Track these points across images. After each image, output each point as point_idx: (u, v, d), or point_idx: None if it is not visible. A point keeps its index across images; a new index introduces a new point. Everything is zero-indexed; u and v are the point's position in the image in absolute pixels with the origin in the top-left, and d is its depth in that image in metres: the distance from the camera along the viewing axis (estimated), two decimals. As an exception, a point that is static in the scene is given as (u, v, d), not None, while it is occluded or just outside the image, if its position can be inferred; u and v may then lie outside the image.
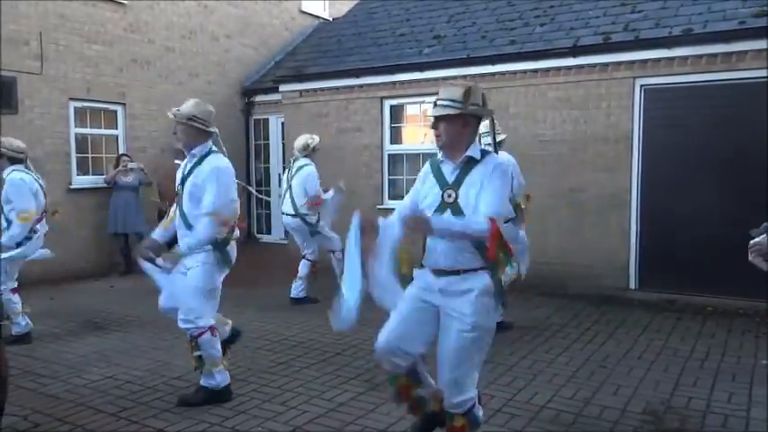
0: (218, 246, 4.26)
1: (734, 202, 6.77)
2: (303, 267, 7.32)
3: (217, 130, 4.41)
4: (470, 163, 3.17)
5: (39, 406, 4.27)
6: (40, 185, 5.82)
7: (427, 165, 3.39)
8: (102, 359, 5.30)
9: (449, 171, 3.22)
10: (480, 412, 3.40)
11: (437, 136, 3.25)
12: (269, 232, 12.37)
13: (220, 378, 4.34)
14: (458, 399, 3.22)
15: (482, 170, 3.13)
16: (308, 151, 7.27)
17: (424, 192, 3.29)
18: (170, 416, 4.10)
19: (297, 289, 7.32)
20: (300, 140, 7.33)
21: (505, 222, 3.19)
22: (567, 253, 7.83)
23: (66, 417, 4.09)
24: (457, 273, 3.14)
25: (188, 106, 4.29)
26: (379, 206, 9.32)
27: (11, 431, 3.87)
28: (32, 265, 8.51)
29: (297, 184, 7.15)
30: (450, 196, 3.14)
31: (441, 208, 3.13)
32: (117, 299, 7.64)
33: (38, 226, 5.74)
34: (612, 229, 7.64)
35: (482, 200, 3.06)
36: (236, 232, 4.50)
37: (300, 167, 7.19)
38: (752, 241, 2.85)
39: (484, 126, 4.34)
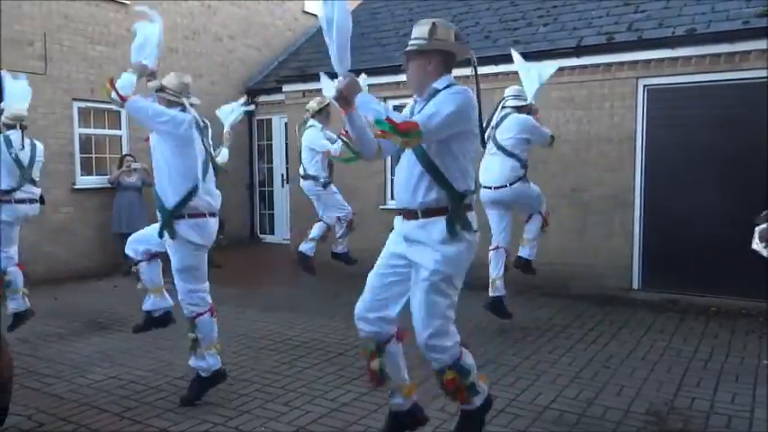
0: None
1: (737, 202, 6.75)
2: (317, 229, 7.30)
3: (190, 101, 4.52)
4: (434, 94, 3.13)
5: (43, 406, 4.28)
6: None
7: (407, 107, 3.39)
8: (105, 359, 5.32)
9: (418, 108, 3.20)
10: (469, 359, 3.29)
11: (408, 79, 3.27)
12: (272, 232, 12.39)
13: (212, 361, 4.33)
14: (438, 356, 3.20)
15: (440, 95, 3.08)
16: (317, 113, 7.06)
17: None
18: (173, 416, 4.11)
19: (306, 245, 7.31)
20: (312, 102, 7.20)
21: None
22: (569, 253, 7.82)
23: (70, 416, 4.11)
24: (416, 216, 3.12)
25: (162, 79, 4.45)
26: (381, 206, 9.33)
27: (15, 431, 3.89)
28: (36, 265, 8.58)
29: (305, 146, 7.06)
30: None
31: None
32: (121, 299, 7.66)
33: None
34: (615, 229, 7.63)
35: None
36: (203, 204, 4.30)
37: (306, 129, 7.08)
38: (758, 227, 2.82)
39: (512, 90, 4.64)
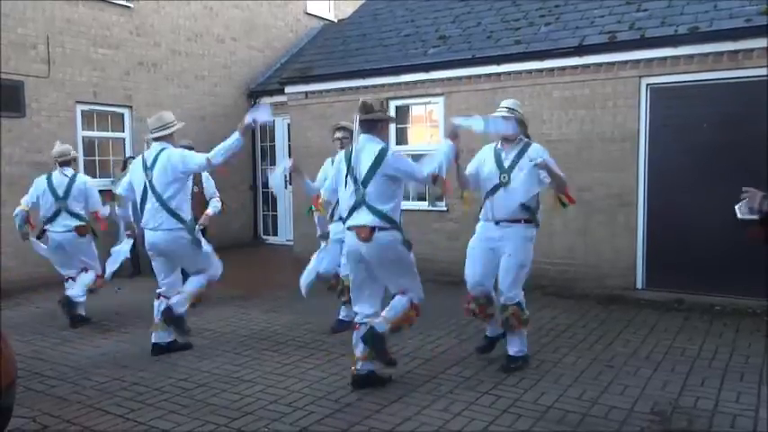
0: None
1: (740, 200, 6.73)
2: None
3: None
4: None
5: (47, 408, 4.30)
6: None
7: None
8: (109, 361, 5.33)
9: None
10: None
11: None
12: (275, 234, 12.40)
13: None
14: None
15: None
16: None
17: None
18: (177, 417, 4.12)
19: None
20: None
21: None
22: (573, 253, 7.81)
23: (74, 418, 4.12)
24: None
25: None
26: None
27: (19, 433, 3.90)
28: (40, 268, 8.60)
29: None
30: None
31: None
32: (124, 301, 7.67)
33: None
34: (619, 228, 7.61)
35: None
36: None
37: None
38: (747, 189, 2.83)
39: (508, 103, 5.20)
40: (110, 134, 9.81)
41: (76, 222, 6.57)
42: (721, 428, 3.86)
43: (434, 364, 5.13)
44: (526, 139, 4.99)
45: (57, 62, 8.86)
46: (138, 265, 9.33)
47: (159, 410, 4.24)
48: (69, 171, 6.63)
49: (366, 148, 4.41)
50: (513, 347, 4.97)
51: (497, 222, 4.86)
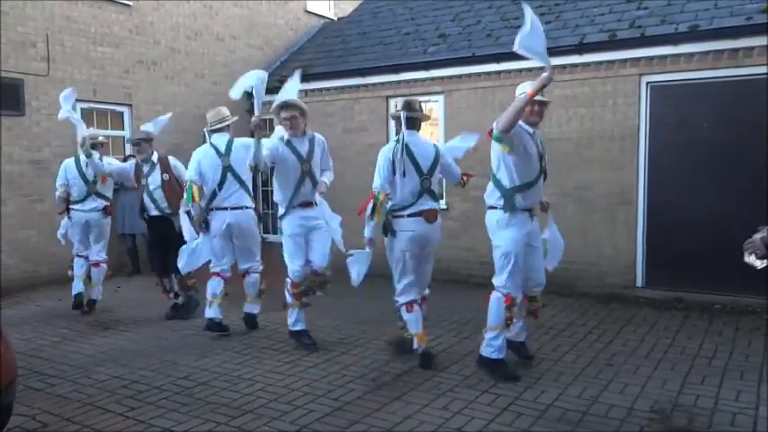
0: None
1: (741, 198, 6.74)
2: None
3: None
4: None
5: (47, 406, 4.30)
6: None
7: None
8: (109, 359, 5.33)
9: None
10: None
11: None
12: (275, 232, 12.39)
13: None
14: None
15: None
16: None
17: None
18: (177, 415, 4.12)
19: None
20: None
21: None
22: (573, 251, 7.74)
23: (74, 417, 4.12)
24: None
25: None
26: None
27: (20, 431, 3.90)
28: (40, 266, 8.60)
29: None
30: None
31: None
32: (124, 299, 7.67)
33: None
34: (619, 226, 7.61)
35: None
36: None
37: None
38: (747, 241, 2.90)
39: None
40: (109, 132, 9.79)
41: (105, 203, 7.11)
42: (721, 426, 3.86)
43: (434, 362, 5.13)
44: None
45: (56, 60, 8.85)
46: (137, 264, 9.33)
47: (159, 409, 4.24)
48: (96, 155, 6.86)
49: (422, 144, 5.09)
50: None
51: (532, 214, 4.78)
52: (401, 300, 5.11)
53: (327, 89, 9.95)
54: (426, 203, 5.01)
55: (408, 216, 4.95)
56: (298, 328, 5.58)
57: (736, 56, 6.89)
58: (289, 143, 5.49)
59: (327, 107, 9.93)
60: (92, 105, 9.38)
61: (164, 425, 3.97)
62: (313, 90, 10.09)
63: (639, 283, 7.57)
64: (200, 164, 5.82)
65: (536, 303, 4.97)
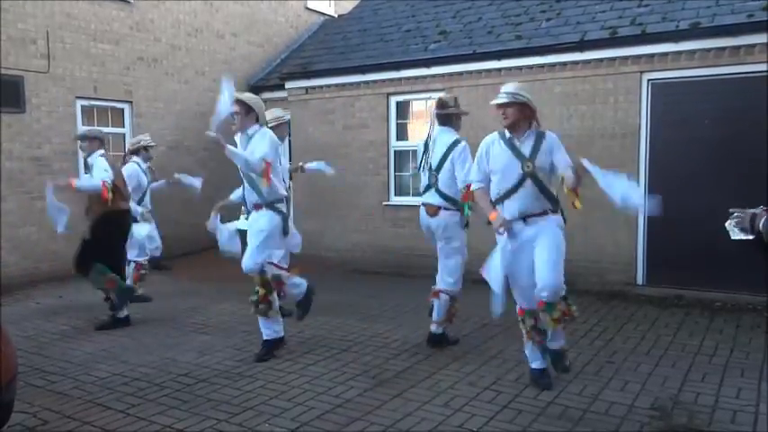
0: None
1: (742, 196, 6.69)
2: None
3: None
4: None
5: (47, 403, 4.30)
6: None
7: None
8: (109, 356, 5.33)
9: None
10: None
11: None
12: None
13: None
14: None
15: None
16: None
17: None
18: (177, 412, 4.12)
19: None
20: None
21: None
22: (574, 248, 7.71)
23: (75, 414, 4.12)
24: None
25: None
26: (385, 202, 9.32)
27: (20, 428, 3.90)
28: (41, 264, 8.61)
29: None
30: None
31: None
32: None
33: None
34: (620, 224, 7.60)
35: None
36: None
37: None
38: (738, 211, 2.78)
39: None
40: (110, 129, 9.79)
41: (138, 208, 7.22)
42: (722, 424, 3.86)
43: (435, 359, 5.13)
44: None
45: (56, 57, 8.84)
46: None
47: (160, 406, 4.24)
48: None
49: (440, 139, 5.24)
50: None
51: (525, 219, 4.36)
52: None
53: (328, 86, 9.93)
54: (428, 198, 5.31)
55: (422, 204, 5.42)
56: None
57: (738, 53, 6.88)
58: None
59: (328, 104, 9.92)
60: (92, 102, 9.38)
61: (164, 422, 3.97)
62: (314, 87, 10.09)
63: (640, 280, 7.56)
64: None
65: (553, 312, 4.32)
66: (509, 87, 4.42)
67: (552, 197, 4.45)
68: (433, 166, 5.24)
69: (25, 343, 5.67)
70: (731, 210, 2.82)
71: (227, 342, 5.70)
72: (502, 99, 4.33)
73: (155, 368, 5.00)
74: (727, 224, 2.76)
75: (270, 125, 6.13)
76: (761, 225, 2.53)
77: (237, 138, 5.24)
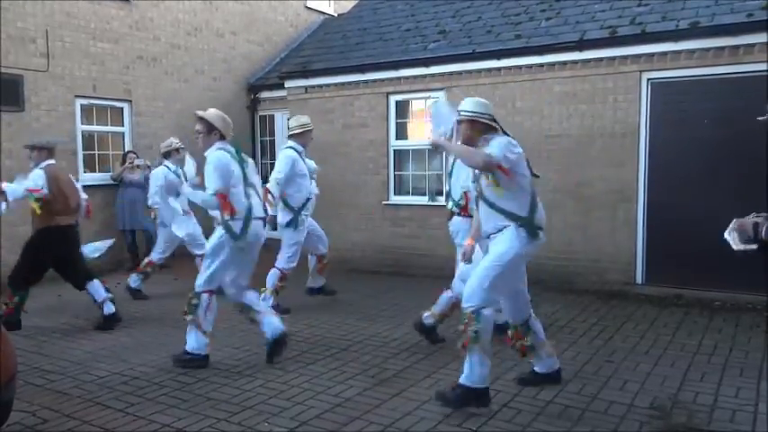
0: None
1: (741, 195, 6.71)
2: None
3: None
4: None
5: (47, 402, 4.30)
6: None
7: None
8: (109, 355, 5.33)
9: None
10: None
11: None
12: (273, 229, 12.36)
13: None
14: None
15: None
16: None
17: None
18: (177, 411, 4.12)
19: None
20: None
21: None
22: (573, 248, 7.81)
23: (74, 413, 4.12)
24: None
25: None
26: (384, 202, 9.32)
27: (19, 427, 3.90)
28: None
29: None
30: None
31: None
32: (124, 296, 7.66)
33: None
34: (619, 223, 7.61)
35: None
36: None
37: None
38: (737, 220, 2.69)
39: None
40: (109, 128, 9.79)
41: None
42: (721, 423, 3.86)
43: (434, 359, 5.14)
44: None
45: (56, 56, 8.83)
46: (137, 260, 9.31)
47: (159, 405, 4.24)
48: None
49: None
50: None
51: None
52: None
53: (327, 85, 9.93)
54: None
55: None
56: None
57: (737, 53, 6.88)
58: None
59: (327, 103, 9.91)
60: (91, 101, 9.37)
61: (164, 421, 3.97)
62: (313, 86, 10.08)
63: (639, 279, 7.57)
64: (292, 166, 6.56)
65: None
66: (463, 104, 4.27)
67: (505, 212, 4.09)
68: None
69: (24, 342, 5.67)
70: (734, 222, 2.71)
71: (226, 341, 5.70)
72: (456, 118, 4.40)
73: (154, 367, 4.99)
74: (726, 235, 2.66)
75: (294, 132, 6.73)
76: (764, 233, 2.48)
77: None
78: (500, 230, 4.11)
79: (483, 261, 4.13)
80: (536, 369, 4.55)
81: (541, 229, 4.16)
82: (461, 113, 4.25)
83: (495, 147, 3.96)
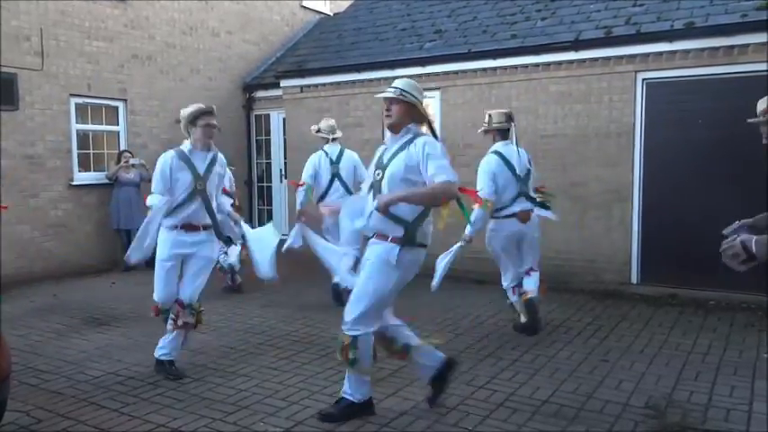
0: None
1: (736, 195, 6.75)
2: None
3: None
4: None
5: (41, 402, 4.28)
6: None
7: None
8: (104, 355, 5.31)
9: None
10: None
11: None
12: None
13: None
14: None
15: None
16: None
17: None
18: (172, 411, 4.11)
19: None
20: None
21: None
22: (568, 248, 7.82)
23: (69, 412, 4.10)
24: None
25: None
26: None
27: (14, 427, 3.88)
28: (35, 262, 8.58)
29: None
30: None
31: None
32: (119, 295, 7.65)
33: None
34: (614, 223, 7.63)
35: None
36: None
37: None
38: (724, 243, 2.61)
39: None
40: (104, 127, 9.76)
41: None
42: (715, 422, 3.87)
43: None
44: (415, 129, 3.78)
45: (50, 55, 8.80)
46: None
47: (154, 405, 4.23)
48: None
49: (517, 152, 5.67)
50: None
51: None
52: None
53: (323, 85, 9.93)
54: (522, 205, 5.70)
55: (509, 215, 5.66)
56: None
57: (732, 53, 6.91)
58: (185, 156, 4.72)
59: (323, 103, 9.91)
60: (86, 100, 9.34)
61: (159, 421, 3.96)
62: (308, 86, 10.08)
63: (635, 279, 7.59)
64: (315, 169, 6.75)
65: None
66: (399, 83, 3.76)
67: (395, 217, 3.66)
68: (521, 176, 5.65)
69: (19, 342, 5.64)
70: (723, 248, 2.61)
71: (222, 341, 5.69)
72: (388, 93, 3.72)
73: (149, 367, 4.97)
74: (726, 261, 2.63)
75: (336, 136, 7.02)
76: (754, 249, 2.48)
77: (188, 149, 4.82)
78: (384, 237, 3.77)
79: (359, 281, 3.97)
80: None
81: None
82: (401, 93, 3.67)
83: (440, 161, 3.53)
